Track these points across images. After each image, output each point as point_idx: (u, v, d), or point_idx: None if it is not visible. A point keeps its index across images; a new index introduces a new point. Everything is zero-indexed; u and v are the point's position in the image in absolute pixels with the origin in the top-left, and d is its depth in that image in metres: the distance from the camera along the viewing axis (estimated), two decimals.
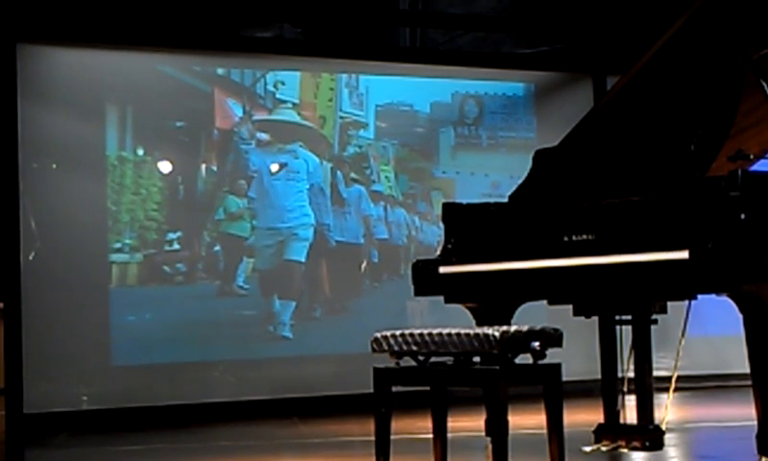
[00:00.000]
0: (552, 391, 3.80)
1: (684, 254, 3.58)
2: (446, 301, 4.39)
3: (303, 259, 8.22)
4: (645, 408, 4.33)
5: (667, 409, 4.46)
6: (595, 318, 4.48)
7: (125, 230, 7.79)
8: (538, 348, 3.72)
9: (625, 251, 3.78)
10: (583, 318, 4.39)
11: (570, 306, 4.33)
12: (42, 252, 7.45)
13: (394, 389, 3.87)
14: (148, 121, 7.91)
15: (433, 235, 8.49)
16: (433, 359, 3.86)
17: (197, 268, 7.97)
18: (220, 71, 8.20)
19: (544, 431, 3.82)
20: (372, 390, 3.89)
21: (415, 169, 8.69)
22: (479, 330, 3.68)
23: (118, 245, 7.77)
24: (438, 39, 9.63)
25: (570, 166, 4.33)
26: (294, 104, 8.33)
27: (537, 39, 9.50)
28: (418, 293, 4.42)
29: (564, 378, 3.82)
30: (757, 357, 3.79)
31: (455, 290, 4.33)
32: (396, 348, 3.86)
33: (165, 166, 7.95)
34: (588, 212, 4.00)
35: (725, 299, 3.80)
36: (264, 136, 8.22)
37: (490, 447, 3.66)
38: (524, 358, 3.74)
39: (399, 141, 8.65)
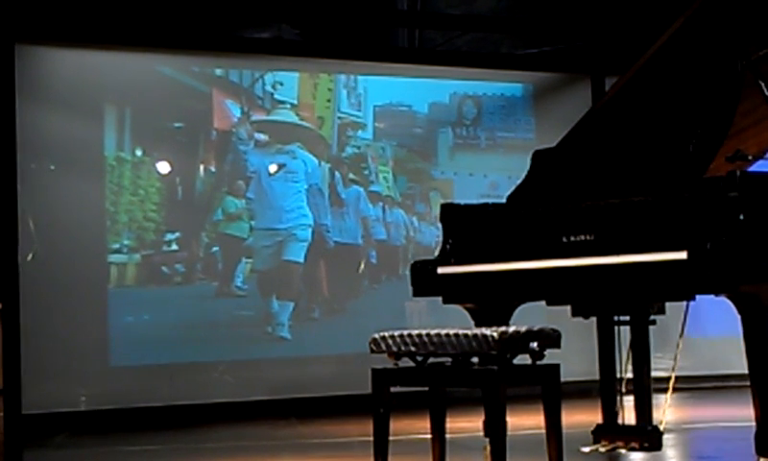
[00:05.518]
0: (551, 391, 3.80)
1: (683, 255, 3.58)
2: (445, 301, 4.39)
3: (302, 260, 8.22)
4: (644, 409, 4.33)
5: (665, 410, 4.46)
6: (594, 319, 4.48)
7: (123, 231, 7.79)
8: (536, 348, 3.72)
9: (623, 251, 3.78)
10: (581, 319, 4.39)
11: (569, 307, 4.34)
12: (41, 252, 7.45)
13: (392, 390, 3.87)
14: (146, 122, 7.91)
15: (431, 236, 8.49)
16: (431, 360, 3.86)
17: (195, 269, 7.97)
18: (218, 72, 8.20)
19: (543, 432, 3.82)
20: (370, 391, 3.89)
21: (413, 170, 8.69)
22: (478, 331, 3.68)
23: (116, 246, 7.76)
24: (436, 40, 9.63)
25: (569, 167, 4.33)
26: (292, 104, 8.33)
27: (535, 40, 9.50)
28: (416, 293, 4.42)
29: (563, 379, 3.81)
30: (756, 358, 3.79)
31: (453, 291, 4.34)
32: (394, 348, 3.86)
33: (163, 167, 7.94)
34: (586, 213, 4.00)
35: (723, 299, 3.80)
36: (262, 137, 8.22)
37: (488, 447, 3.67)
38: (523, 359, 3.74)
39: (398, 142, 8.65)
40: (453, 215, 4.46)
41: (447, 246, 4.41)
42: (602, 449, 4.42)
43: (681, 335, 4.50)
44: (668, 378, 4.57)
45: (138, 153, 7.87)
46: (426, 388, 4.08)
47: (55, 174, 7.60)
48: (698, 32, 4.31)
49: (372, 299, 8.41)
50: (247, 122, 8.17)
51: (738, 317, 3.83)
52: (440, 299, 4.39)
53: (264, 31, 9.02)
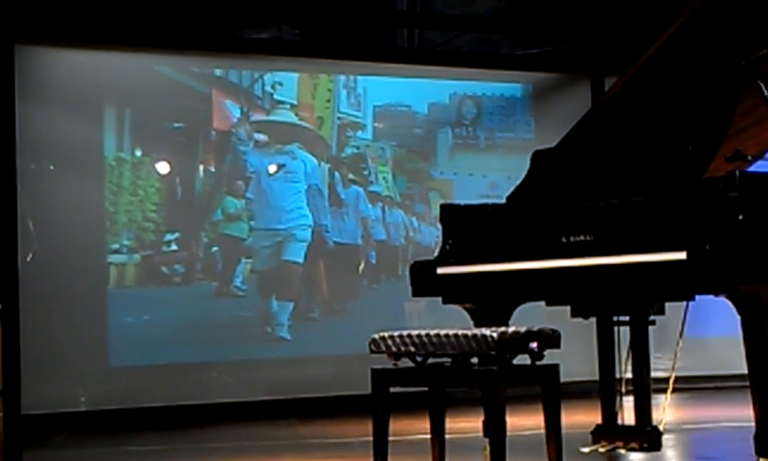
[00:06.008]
0: (550, 392, 3.80)
1: (682, 255, 3.58)
2: (444, 301, 4.39)
3: (301, 260, 8.22)
4: (643, 409, 4.34)
5: (665, 410, 4.46)
6: (593, 319, 4.48)
7: (123, 232, 7.79)
8: (536, 349, 3.72)
9: (623, 251, 3.78)
10: (581, 319, 4.39)
11: (568, 307, 4.34)
12: (40, 253, 7.45)
13: (392, 390, 3.87)
14: (146, 122, 7.91)
15: (431, 236, 8.49)
16: (431, 360, 3.86)
17: (195, 269, 7.97)
18: (218, 72, 8.20)
19: (542, 432, 3.82)
20: (370, 391, 3.89)
21: (413, 170, 8.69)
22: (477, 331, 3.68)
23: (116, 246, 7.76)
24: (436, 40, 9.62)
25: (568, 167, 4.33)
26: (292, 105, 8.33)
27: (535, 40, 9.49)
28: (416, 294, 4.43)
29: (562, 379, 3.82)
30: (756, 358, 3.79)
31: (453, 291, 4.34)
32: (394, 349, 3.86)
33: (163, 167, 7.94)
34: (586, 213, 4.00)
35: (723, 299, 3.80)
36: (262, 137, 8.21)
37: (488, 447, 3.67)
38: (522, 359, 3.74)
39: (397, 142, 8.65)
40: (453, 215, 4.46)
41: (447, 246, 4.42)
42: (601, 450, 4.42)
43: (680, 335, 4.50)
44: (668, 378, 4.57)
45: (138, 153, 7.87)
46: (426, 388, 4.08)
47: (54, 174, 7.60)
48: (697, 32, 4.31)
49: (372, 299, 8.41)
50: (246, 122, 8.17)
51: (738, 317, 3.83)
52: (439, 299, 4.39)
53: (264, 31, 9.02)
